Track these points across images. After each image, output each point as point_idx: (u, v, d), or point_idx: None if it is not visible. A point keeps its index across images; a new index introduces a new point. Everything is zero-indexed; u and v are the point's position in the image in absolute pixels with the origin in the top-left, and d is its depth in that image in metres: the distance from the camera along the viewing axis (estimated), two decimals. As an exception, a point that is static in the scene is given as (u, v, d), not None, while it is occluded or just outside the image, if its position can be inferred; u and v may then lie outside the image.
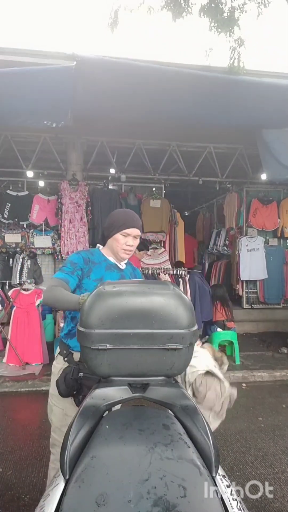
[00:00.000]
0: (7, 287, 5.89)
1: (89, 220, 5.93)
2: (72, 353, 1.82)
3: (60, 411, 1.81)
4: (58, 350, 1.90)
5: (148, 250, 6.03)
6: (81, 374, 1.73)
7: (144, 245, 5.73)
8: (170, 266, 5.87)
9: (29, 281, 5.55)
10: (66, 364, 1.80)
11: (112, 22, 4.65)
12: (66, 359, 1.82)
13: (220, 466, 0.99)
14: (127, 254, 1.89)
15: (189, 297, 4.90)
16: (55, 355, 1.93)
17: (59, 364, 1.85)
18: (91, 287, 1.74)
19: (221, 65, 4.19)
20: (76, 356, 1.79)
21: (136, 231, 1.87)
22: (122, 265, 1.95)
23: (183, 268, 5.41)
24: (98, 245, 2.00)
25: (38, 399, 3.99)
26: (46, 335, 5.40)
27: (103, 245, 1.97)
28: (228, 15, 4.37)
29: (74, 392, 1.73)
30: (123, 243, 1.85)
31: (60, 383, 1.76)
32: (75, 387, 1.72)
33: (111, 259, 1.92)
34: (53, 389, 1.83)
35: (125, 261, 1.98)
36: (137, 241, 1.91)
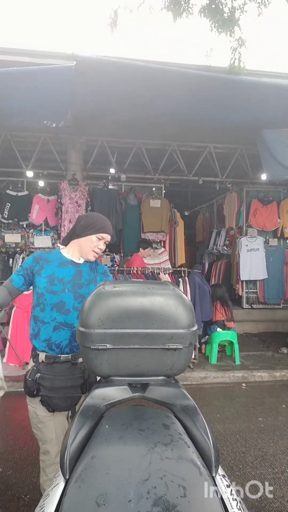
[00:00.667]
0: (7, 287, 5.88)
1: (89, 220, 5.91)
2: (38, 354, 1.85)
3: (32, 410, 1.87)
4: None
5: (152, 247, 6.00)
6: (38, 374, 1.80)
7: (147, 243, 5.70)
8: (170, 266, 5.87)
9: (29, 281, 5.53)
10: (33, 363, 1.87)
11: (112, 22, 4.65)
12: (34, 359, 1.87)
13: (220, 466, 0.99)
14: (95, 257, 1.93)
15: (189, 297, 4.90)
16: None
17: (30, 365, 1.92)
18: (42, 284, 1.84)
19: (222, 65, 4.19)
20: (42, 356, 1.84)
21: (109, 238, 1.93)
22: (80, 260, 1.94)
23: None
24: (58, 245, 2.06)
25: (38, 399, 3.98)
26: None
27: (66, 245, 1.97)
28: (229, 15, 4.37)
29: (35, 392, 1.80)
30: (96, 245, 1.89)
31: (24, 384, 1.86)
32: (33, 387, 1.80)
33: (69, 256, 1.92)
34: None
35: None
36: (104, 247, 1.96)
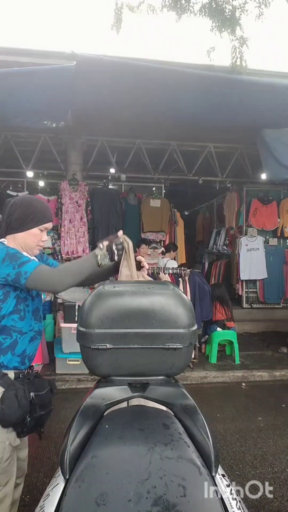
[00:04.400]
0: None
1: (89, 219, 5.93)
2: (6, 373, 1.52)
3: (5, 444, 1.47)
4: None
5: (147, 244, 5.98)
6: (32, 393, 1.51)
7: (141, 241, 5.70)
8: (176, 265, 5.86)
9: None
10: (2, 389, 1.47)
11: (116, 21, 4.62)
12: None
13: (219, 466, 0.99)
14: (40, 250, 1.69)
15: (189, 297, 4.90)
16: None
17: None
18: None
19: (224, 64, 4.19)
20: (11, 375, 1.53)
21: (51, 225, 1.66)
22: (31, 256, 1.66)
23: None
24: None
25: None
26: (46, 335, 5.40)
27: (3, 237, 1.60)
28: (229, 14, 4.36)
29: (28, 418, 1.49)
30: (39, 239, 1.60)
31: (10, 409, 1.43)
32: (27, 409, 1.47)
33: (25, 253, 1.58)
34: None
35: None
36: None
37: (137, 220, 6.53)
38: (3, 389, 1.47)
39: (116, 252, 1.51)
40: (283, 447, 3.17)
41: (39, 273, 1.45)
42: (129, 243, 1.54)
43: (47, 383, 1.63)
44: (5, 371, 1.52)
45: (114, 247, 1.51)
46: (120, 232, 1.58)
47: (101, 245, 1.49)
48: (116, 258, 1.50)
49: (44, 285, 1.50)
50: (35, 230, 1.57)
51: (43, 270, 1.47)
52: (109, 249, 1.50)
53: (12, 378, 1.53)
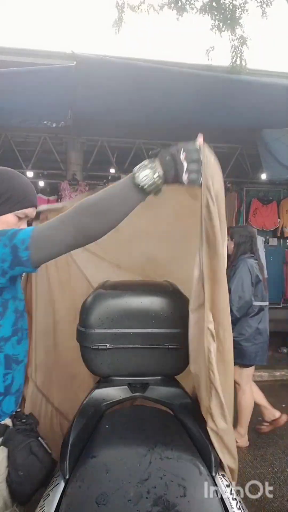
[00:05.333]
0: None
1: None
2: (7, 425, 1.02)
3: None
4: None
5: None
6: (42, 440, 1.03)
7: None
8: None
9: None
10: (5, 449, 0.98)
11: (116, 20, 4.61)
12: (1, 439, 0.99)
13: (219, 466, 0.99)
14: None
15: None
16: None
17: None
18: (22, 295, 1.12)
19: (223, 64, 4.20)
20: (10, 423, 1.03)
21: (34, 213, 1.14)
22: None
23: None
24: None
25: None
26: (46, 335, 5.40)
27: None
28: (230, 13, 4.37)
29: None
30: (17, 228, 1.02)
31: (34, 471, 0.97)
32: (50, 464, 1.02)
33: None
34: None
35: None
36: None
37: (137, 220, 6.51)
38: (7, 449, 0.98)
39: (185, 165, 0.86)
40: (283, 447, 3.17)
41: (41, 231, 0.92)
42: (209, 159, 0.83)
43: (25, 417, 1.09)
44: (4, 422, 1.02)
45: (182, 155, 0.87)
46: (200, 138, 0.97)
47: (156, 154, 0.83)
48: (185, 177, 0.86)
49: (56, 242, 0.92)
50: (10, 217, 1.05)
51: (44, 225, 0.95)
52: (170, 158, 0.90)
53: (9, 426, 1.03)
